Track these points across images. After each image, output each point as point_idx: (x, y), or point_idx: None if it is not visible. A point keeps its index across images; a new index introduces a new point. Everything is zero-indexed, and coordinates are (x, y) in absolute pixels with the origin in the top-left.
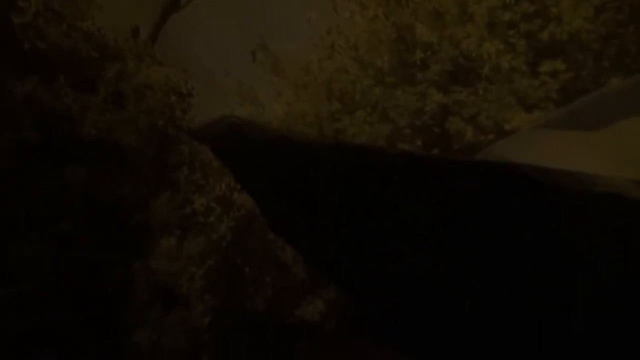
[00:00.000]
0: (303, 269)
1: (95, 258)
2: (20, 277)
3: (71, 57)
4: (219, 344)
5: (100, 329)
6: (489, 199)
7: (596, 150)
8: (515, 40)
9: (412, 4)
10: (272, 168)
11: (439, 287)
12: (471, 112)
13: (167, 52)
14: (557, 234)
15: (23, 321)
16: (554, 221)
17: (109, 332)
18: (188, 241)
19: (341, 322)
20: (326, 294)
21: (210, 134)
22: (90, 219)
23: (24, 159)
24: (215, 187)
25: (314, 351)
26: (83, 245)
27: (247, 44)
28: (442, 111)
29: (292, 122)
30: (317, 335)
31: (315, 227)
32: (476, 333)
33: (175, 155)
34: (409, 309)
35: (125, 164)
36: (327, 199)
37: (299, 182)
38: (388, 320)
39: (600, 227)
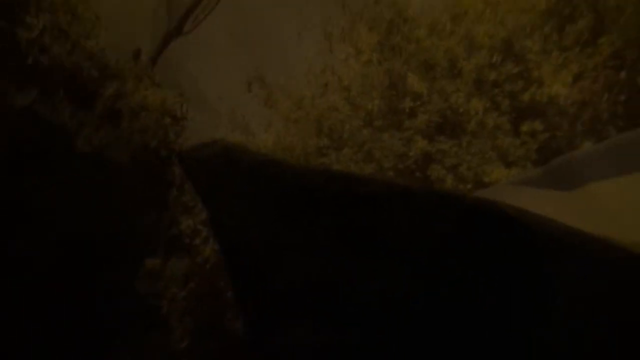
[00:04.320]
0: None
1: (82, 270)
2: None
3: (72, 73)
4: None
5: (81, 346)
6: (469, 232)
7: (567, 209)
8: (500, 99)
9: (405, 53)
10: (259, 192)
11: (418, 316)
12: (453, 162)
13: (166, 74)
14: (533, 271)
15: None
16: (531, 259)
17: (90, 350)
18: (172, 262)
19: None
20: None
21: (202, 156)
22: (76, 232)
23: (16, 167)
24: (204, 209)
25: None
26: (68, 255)
27: (242, 73)
28: (425, 158)
29: (280, 153)
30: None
31: (291, 252)
32: None
33: (166, 176)
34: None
35: (115, 181)
36: (313, 223)
37: (286, 207)
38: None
39: (576, 270)
